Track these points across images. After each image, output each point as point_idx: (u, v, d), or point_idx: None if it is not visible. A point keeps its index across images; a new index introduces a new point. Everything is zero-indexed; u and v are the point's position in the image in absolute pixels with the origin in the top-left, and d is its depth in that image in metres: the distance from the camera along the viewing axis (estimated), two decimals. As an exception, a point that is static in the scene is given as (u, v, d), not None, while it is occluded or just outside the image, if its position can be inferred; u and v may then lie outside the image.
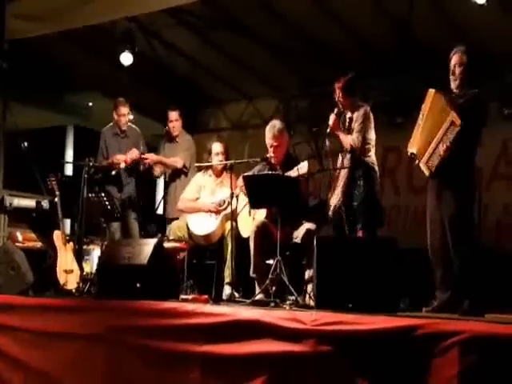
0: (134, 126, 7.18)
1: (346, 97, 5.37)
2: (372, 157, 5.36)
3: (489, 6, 5.81)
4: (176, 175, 7.04)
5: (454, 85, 4.63)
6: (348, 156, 5.32)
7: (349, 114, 5.43)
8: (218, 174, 6.27)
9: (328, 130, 5.37)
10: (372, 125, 5.39)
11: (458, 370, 3.09)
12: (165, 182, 7.26)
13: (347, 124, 5.41)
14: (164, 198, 7.27)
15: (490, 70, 6.70)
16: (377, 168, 5.37)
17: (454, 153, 4.41)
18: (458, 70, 4.58)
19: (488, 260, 5.15)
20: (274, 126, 5.55)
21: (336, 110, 5.37)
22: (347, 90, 5.36)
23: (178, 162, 6.98)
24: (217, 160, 6.19)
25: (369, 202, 5.21)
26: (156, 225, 7.68)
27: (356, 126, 5.32)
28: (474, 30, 6.45)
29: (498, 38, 6.54)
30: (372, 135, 5.38)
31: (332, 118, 5.33)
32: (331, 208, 5.30)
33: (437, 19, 6.52)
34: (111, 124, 7.12)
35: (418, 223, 7.01)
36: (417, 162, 4.74)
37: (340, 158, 5.42)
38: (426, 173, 4.64)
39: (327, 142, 5.53)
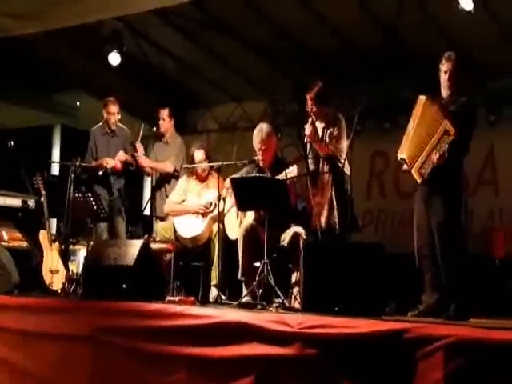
0: (123, 126, 7.15)
1: (318, 106, 5.33)
2: (343, 162, 5.22)
3: (475, 13, 5.85)
4: (166, 178, 6.96)
5: (444, 91, 4.64)
6: (326, 163, 5.31)
7: (322, 124, 5.40)
8: (203, 179, 6.26)
9: (305, 140, 5.34)
10: (345, 134, 5.35)
11: (442, 374, 3.11)
12: (155, 181, 7.17)
13: (320, 134, 5.36)
14: (152, 197, 7.13)
15: (476, 76, 6.76)
16: (347, 171, 5.27)
17: (445, 160, 4.42)
18: (446, 77, 4.58)
19: (473, 265, 5.18)
20: (261, 130, 5.54)
21: (310, 119, 5.32)
22: (319, 99, 5.33)
23: (168, 166, 6.91)
24: (201, 167, 6.18)
25: (342, 206, 5.16)
26: (142, 226, 7.65)
27: (335, 134, 5.28)
28: (460, 36, 6.49)
29: (483, 45, 6.57)
30: (345, 144, 5.31)
31: (308, 128, 5.28)
32: (323, 219, 5.25)
33: (424, 25, 6.55)
34: (100, 124, 7.08)
35: (405, 228, 7.05)
36: (405, 167, 4.71)
37: (321, 164, 5.40)
38: (418, 180, 4.61)
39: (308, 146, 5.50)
